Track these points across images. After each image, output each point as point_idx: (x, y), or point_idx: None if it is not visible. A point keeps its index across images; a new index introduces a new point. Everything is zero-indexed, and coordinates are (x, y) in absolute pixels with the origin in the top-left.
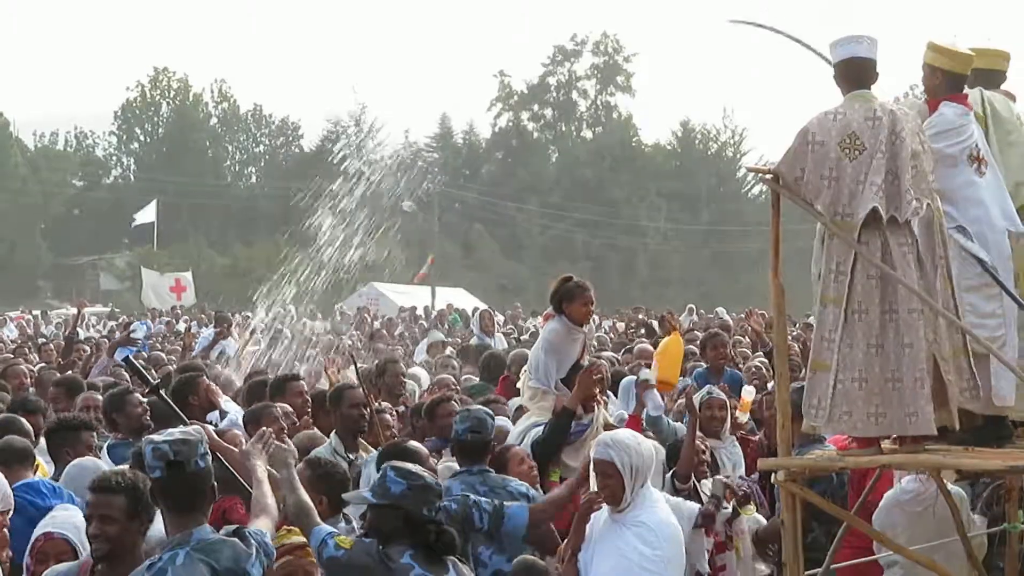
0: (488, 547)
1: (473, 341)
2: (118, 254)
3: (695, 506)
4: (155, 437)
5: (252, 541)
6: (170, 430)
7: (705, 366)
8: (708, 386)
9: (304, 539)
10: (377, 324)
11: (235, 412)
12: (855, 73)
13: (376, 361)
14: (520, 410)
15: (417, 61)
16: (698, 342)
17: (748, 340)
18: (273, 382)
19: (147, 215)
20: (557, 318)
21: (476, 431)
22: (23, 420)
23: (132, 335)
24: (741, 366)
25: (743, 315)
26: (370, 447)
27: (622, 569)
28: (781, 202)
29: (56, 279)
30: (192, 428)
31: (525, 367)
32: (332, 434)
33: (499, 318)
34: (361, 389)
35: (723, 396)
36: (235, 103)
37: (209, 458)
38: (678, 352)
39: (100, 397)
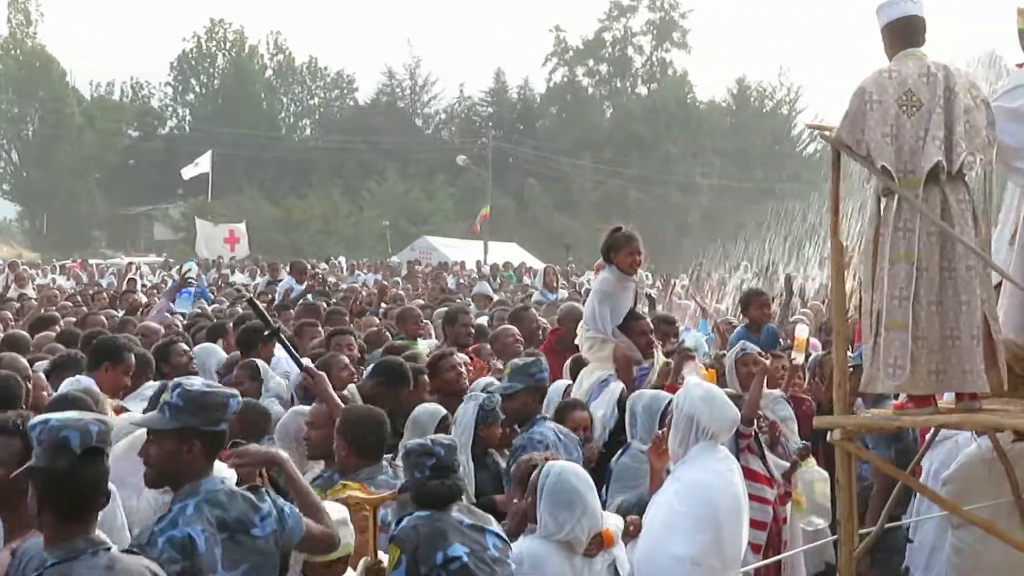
0: None
1: (536, 297)
2: (172, 204)
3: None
4: (229, 390)
5: (269, 501)
6: (206, 381)
7: (745, 323)
8: (741, 342)
9: (361, 494)
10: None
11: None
12: (906, 32)
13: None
14: (576, 362)
15: (472, 15)
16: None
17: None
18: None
19: (201, 166)
20: (607, 268)
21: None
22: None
23: (188, 276)
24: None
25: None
26: None
27: (656, 522)
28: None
29: (111, 229)
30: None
31: (581, 321)
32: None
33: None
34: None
35: (756, 350)
36: (290, 55)
37: None
38: None
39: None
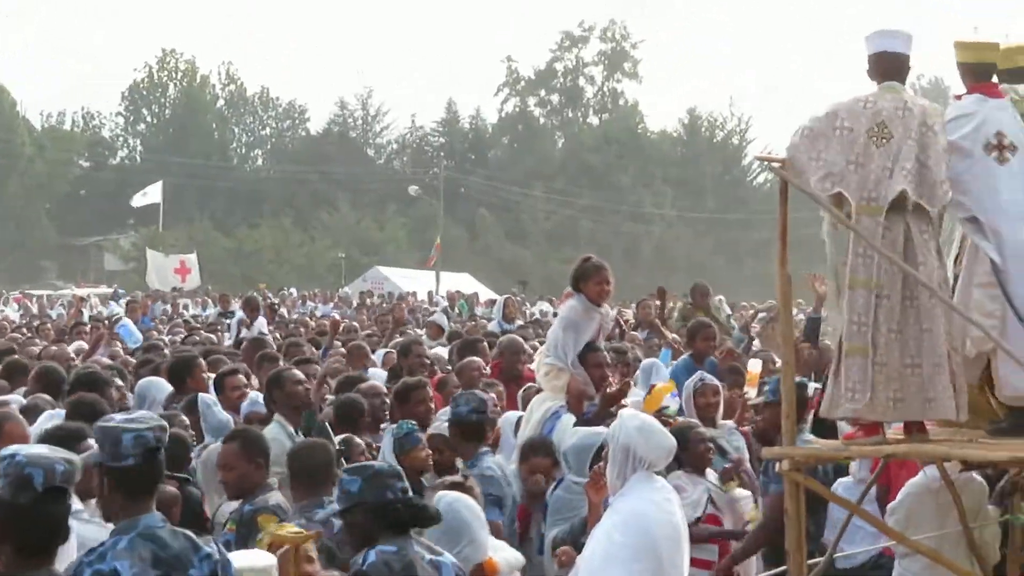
0: None
1: (493, 327)
2: (123, 235)
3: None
4: (132, 424)
5: (211, 547)
6: (138, 414)
7: (690, 353)
8: (700, 372)
9: (300, 529)
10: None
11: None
12: (887, 66)
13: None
14: (527, 390)
15: (424, 45)
16: (686, 330)
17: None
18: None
19: (152, 196)
20: (575, 296)
21: (481, 411)
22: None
23: (115, 322)
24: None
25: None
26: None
27: (596, 554)
28: (789, 191)
29: (61, 259)
30: None
31: (542, 347)
32: (276, 414)
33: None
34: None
35: (716, 382)
36: (242, 85)
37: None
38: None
39: None
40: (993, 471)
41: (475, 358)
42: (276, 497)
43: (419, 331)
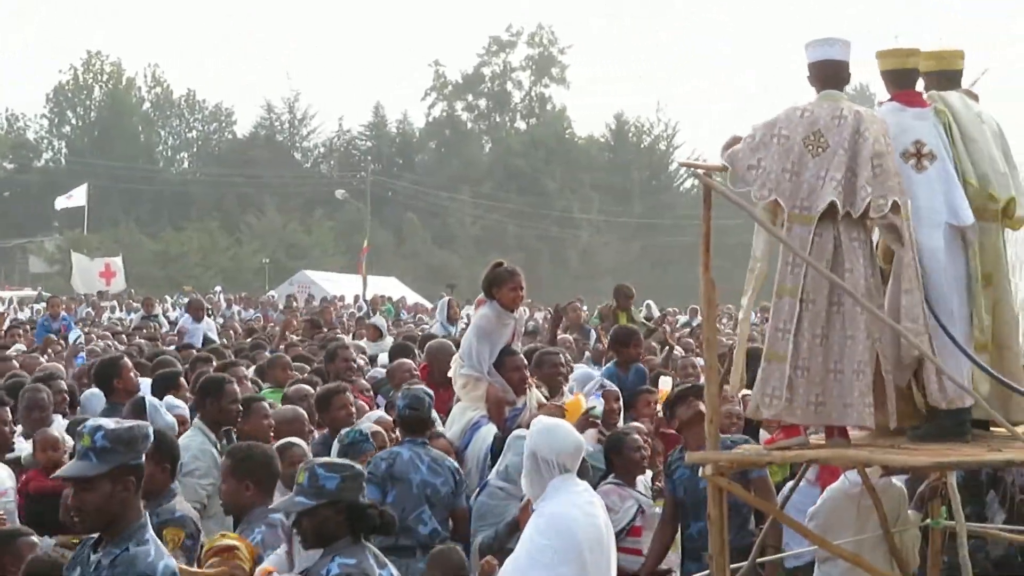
0: None
1: (436, 329)
2: (48, 237)
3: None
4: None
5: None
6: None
7: (615, 359)
8: (599, 378)
9: (235, 542)
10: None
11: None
12: (826, 74)
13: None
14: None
15: (352, 49)
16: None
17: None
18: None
19: (76, 199)
20: (488, 303)
21: (414, 408)
22: None
23: (77, 349)
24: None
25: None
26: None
27: (521, 557)
28: (713, 197)
29: None
30: None
31: (457, 355)
32: (198, 419)
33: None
34: None
35: (616, 388)
36: (168, 88)
37: None
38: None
39: None
40: (913, 475)
41: (406, 360)
42: (181, 506)
43: (342, 335)
